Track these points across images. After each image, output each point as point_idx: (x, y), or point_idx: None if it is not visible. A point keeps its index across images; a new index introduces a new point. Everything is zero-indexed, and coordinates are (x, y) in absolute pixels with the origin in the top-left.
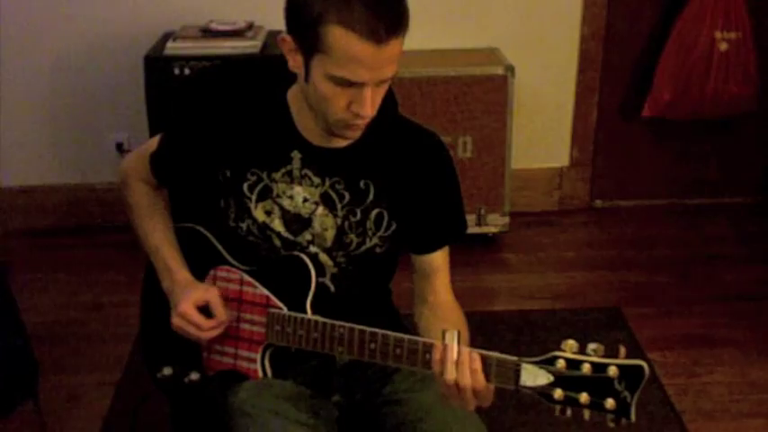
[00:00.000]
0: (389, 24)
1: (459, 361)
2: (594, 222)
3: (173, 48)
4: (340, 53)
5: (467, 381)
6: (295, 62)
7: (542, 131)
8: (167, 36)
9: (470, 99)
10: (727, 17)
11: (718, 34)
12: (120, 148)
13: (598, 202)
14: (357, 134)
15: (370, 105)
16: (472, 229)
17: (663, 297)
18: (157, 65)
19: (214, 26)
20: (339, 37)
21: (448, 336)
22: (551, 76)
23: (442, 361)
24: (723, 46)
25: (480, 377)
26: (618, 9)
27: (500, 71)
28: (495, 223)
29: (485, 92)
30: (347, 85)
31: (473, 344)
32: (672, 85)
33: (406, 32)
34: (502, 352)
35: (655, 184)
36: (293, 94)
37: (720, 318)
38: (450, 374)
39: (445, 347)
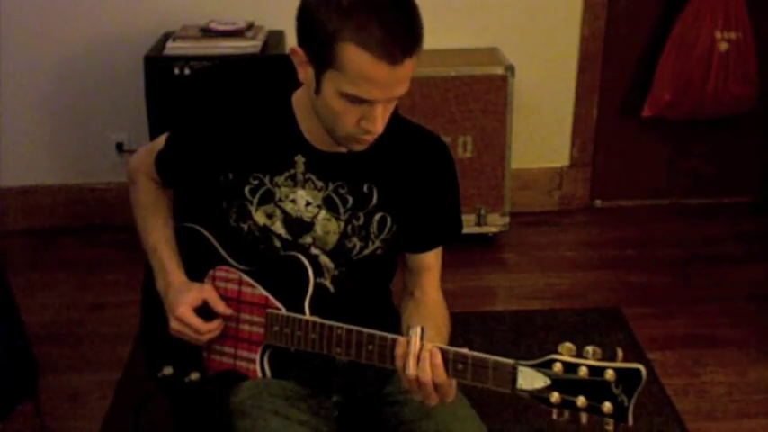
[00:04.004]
0: (405, 45)
1: (420, 356)
2: (594, 222)
3: (173, 48)
4: (354, 72)
5: (427, 375)
6: (305, 74)
7: (542, 131)
8: (167, 36)
9: (470, 99)
10: (727, 17)
11: (718, 34)
12: (120, 148)
13: (598, 202)
14: (364, 147)
15: (380, 123)
16: (472, 229)
17: (663, 297)
18: (157, 65)
19: (214, 26)
20: (354, 56)
21: (411, 331)
22: (551, 76)
23: (404, 356)
24: (723, 46)
25: (440, 372)
26: (618, 9)
27: (500, 71)
28: (495, 223)
29: (485, 92)
30: (358, 102)
31: (472, 344)
32: (672, 85)
33: (420, 51)
34: (502, 352)
35: (655, 184)
36: (298, 98)
37: (720, 318)
38: (412, 369)
39: (408, 342)
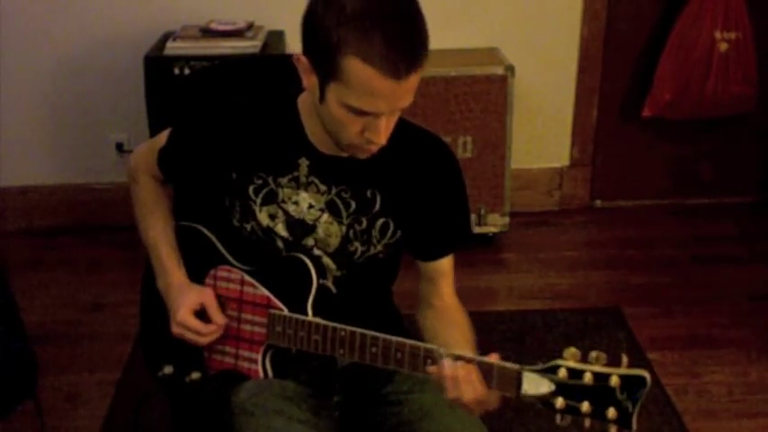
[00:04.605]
0: (410, 60)
1: (455, 376)
2: (594, 222)
3: (173, 48)
4: (357, 85)
5: (468, 395)
6: (309, 82)
7: (542, 131)
8: (167, 36)
9: (470, 99)
10: (727, 17)
11: (718, 34)
12: (120, 148)
13: (598, 202)
14: (367, 156)
15: (384, 134)
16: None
17: (663, 297)
18: (157, 65)
19: (214, 26)
20: (358, 70)
21: (436, 353)
22: (551, 76)
23: (439, 379)
24: (723, 46)
25: (479, 387)
26: (618, 9)
27: (500, 71)
28: (495, 223)
29: (485, 92)
30: (362, 114)
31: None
32: (672, 85)
33: (425, 63)
34: (502, 353)
35: (655, 184)
36: (304, 101)
37: (721, 318)
38: (451, 392)
39: (440, 365)
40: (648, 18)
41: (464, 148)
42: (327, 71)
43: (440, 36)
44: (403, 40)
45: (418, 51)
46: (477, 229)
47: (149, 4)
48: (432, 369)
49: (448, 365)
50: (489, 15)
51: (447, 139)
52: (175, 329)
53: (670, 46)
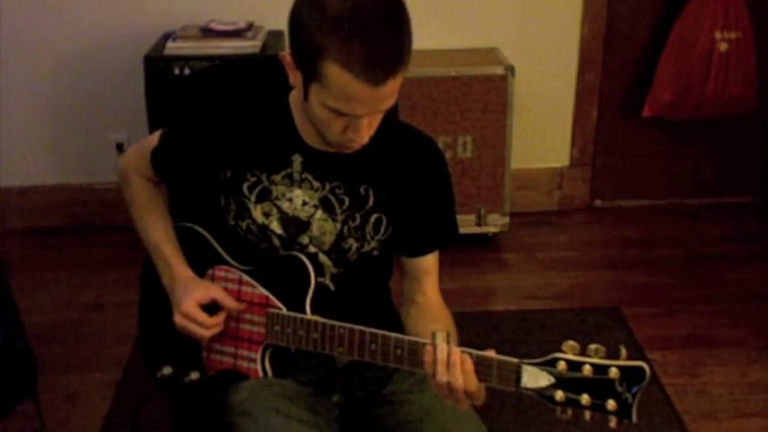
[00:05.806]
0: (388, 67)
1: (451, 362)
2: (594, 222)
3: (173, 48)
4: (336, 90)
5: (459, 382)
6: (295, 78)
7: (542, 131)
8: (167, 36)
9: (470, 99)
10: (727, 17)
11: (718, 34)
12: (120, 148)
13: (598, 202)
14: (351, 151)
15: (365, 133)
16: (472, 229)
17: (663, 297)
18: (157, 65)
19: (214, 26)
20: (336, 75)
21: (438, 336)
22: (551, 76)
23: (434, 362)
24: (723, 46)
25: (472, 378)
26: (618, 9)
27: (500, 71)
28: (495, 223)
29: (485, 92)
30: (343, 114)
31: (472, 344)
32: (672, 85)
33: (406, 68)
34: (502, 352)
35: (655, 184)
36: (295, 98)
37: (721, 318)
38: (442, 376)
39: (436, 349)
40: (648, 18)
41: (464, 148)
42: (309, 73)
43: (440, 36)
44: (382, 47)
45: (397, 58)
46: (477, 229)
47: (149, 4)
48: (428, 348)
49: (443, 349)
50: (489, 15)
51: (447, 139)
52: (178, 320)
53: (670, 46)
